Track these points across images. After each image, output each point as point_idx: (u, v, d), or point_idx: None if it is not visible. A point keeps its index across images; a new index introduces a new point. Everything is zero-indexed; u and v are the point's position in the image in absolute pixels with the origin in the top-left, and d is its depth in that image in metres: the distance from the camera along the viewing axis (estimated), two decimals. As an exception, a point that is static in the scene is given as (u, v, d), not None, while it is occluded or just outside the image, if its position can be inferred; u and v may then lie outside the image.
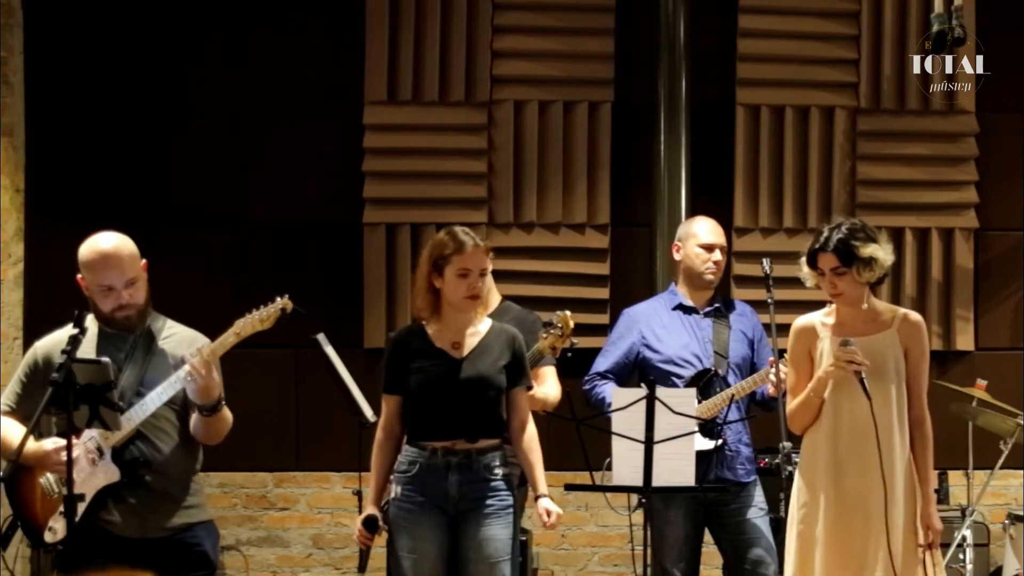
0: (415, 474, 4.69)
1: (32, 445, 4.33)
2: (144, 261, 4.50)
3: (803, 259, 4.82)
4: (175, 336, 4.54)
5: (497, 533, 4.68)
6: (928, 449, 4.75)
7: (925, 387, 4.79)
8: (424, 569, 4.68)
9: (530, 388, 4.90)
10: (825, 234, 4.73)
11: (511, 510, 4.74)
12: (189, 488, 4.54)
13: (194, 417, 4.44)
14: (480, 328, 4.77)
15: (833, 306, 4.79)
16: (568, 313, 5.15)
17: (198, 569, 4.51)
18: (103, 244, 4.44)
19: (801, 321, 4.87)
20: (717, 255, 5.54)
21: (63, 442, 4.29)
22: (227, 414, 4.48)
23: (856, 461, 4.67)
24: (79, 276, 4.47)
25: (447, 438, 4.67)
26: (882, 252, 4.69)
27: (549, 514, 4.71)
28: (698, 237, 5.56)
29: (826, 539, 4.68)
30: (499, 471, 4.72)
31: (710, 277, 5.54)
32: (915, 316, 4.80)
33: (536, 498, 4.77)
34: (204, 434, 4.48)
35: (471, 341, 4.74)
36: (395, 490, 4.72)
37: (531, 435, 4.80)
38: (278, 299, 4.50)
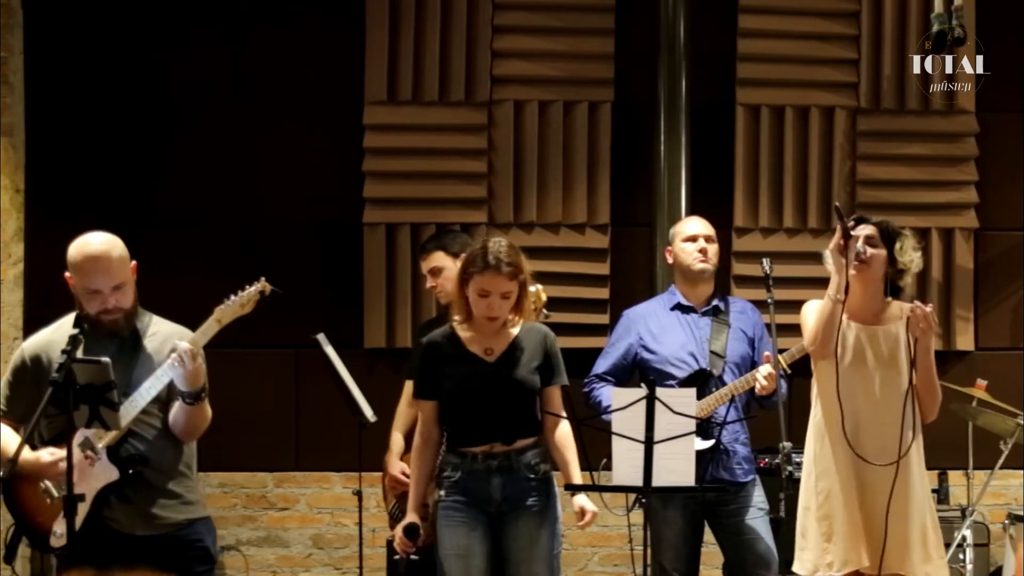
0: (458, 480, 4.72)
1: (28, 455, 4.32)
2: (134, 263, 4.48)
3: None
4: (159, 333, 4.53)
5: (541, 533, 4.72)
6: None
7: (934, 364, 4.86)
8: (473, 566, 4.70)
9: (564, 386, 4.89)
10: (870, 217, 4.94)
11: (553, 508, 4.78)
12: (184, 482, 4.54)
13: (175, 407, 4.42)
14: (512, 329, 4.78)
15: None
16: (540, 287, 5.16)
17: (200, 564, 4.52)
18: (92, 247, 4.40)
19: (816, 300, 4.94)
20: (702, 243, 5.55)
21: (59, 452, 4.30)
22: (207, 409, 4.46)
23: (873, 444, 4.73)
24: (67, 274, 4.45)
25: (484, 442, 4.70)
26: (914, 255, 4.87)
27: (584, 513, 4.76)
28: (682, 232, 5.62)
29: (845, 522, 4.75)
30: (540, 468, 4.76)
31: (700, 266, 5.54)
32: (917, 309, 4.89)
33: (572, 495, 4.80)
34: (183, 425, 4.44)
35: (503, 344, 4.75)
36: (439, 493, 4.74)
37: (564, 432, 4.81)
38: (255, 282, 4.50)
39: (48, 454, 4.36)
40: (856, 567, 4.74)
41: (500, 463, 4.70)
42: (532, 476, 4.72)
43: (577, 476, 4.80)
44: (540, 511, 4.73)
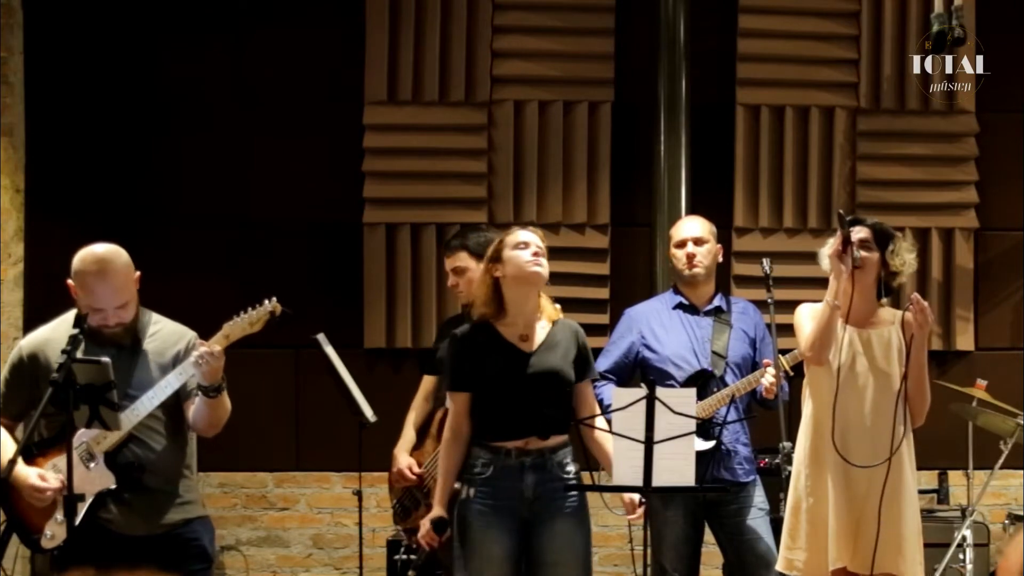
0: (490, 477, 4.60)
1: (21, 470, 4.32)
2: (138, 274, 4.46)
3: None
4: (160, 333, 4.53)
5: (574, 535, 4.64)
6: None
7: (926, 362, 4.87)
8: (491, 573, 4.60)
9: (595, 380, 4.86)
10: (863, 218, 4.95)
11: (587, 510, 4.72)
12: (184, 482, 4.55)
13: (196, 404, 4.43)
14: (544, 323, 4.72)
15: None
16: (558, 307, 5.13)
17: (198, 563, 4.52)
18: (97, 266, 4.37)
19: (809, 304, 4.95)
20: (690, 247, 5.55)
21: (50, 477, 4.30)
22: (227, 401, 4.47)
23: (865, 448, 4.75)
24: (69, 281, 4.42)
25: (520, 436, 4.60)
26: (908, 256, 4.87)
27: (634, 506, 4.71)
28: (673, 237, 5.64)
29: (834, 521, 4.75)
30: (571, 468, 4.68)
31: (687, 272, 5.55)
32: (909, 315, 4.88)
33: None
34: (206, 419, 4.45)
35: (539, 334, 4.69)
36: (467, 491, 4.60)
37: (602, 426, 4.75)
38: (266, 302, 4.47)
39: (38, 477, 4.33)
40: (843, 564, 4.75)
41: (534, 460, 4.60)
42: (564, 476, 4.64)
43: None
44: (574, 513, 4.65)
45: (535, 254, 4.65)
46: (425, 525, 4.65)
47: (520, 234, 4.70)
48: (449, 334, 4.89)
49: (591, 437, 4.75)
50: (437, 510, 4.68)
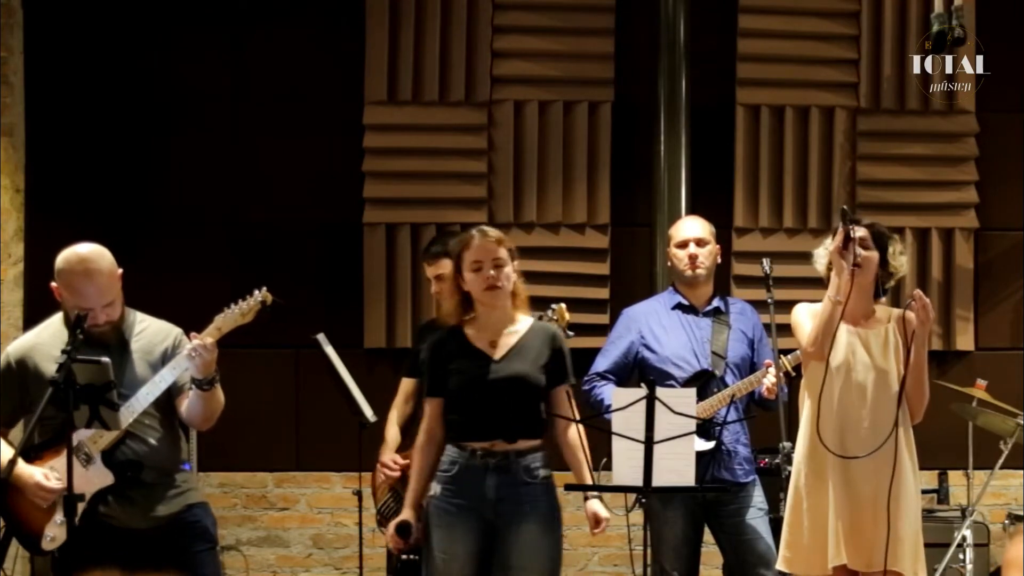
0: (454, 475, 4.64)
1: (24, 469, 4.33)
2: (120, 271, 4.46)
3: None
4: (147, 331, 4.54)
5: (540, 540, 4.61)
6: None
7: (926, 359, 4.87)
8: (453, 570, 4.62)
9: (573, 386, 4.84)
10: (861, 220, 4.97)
11: (553, 515, 4.68)
12: (181, 474, 4.58)
13: (190, 397, 4.44)
14: (519, 327, 4.72)
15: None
16: (563, 306, 5.12)
17: (202, 543, 4.55)
18: (82, 265, 4.37)
19: (806, 303, 4.96)
20: (692, 248, 5.53)
21: (53, 477, 4.31)
22: (221, 394, 4.48)
23: (862, 444, 4.74)
24: (53, 284, 4.42)
25: (486, 439, 4.62)
26: (902, 258, 4.92)
27: (598, 520, 4.72)
28: (674, 237, 5.62)
29: (834, 519, 4.75)
30: (540, 473, 4.66)
31: (689, 273, 5.53)
32: (910, 313, 4.88)
33: (585, 499, 4.76)
34: (201, 413, 4.46)
35: (509, 340, 4.68)
36: (435, 488, 4.67)
37: (574, 434, 4.73)
38: (256, 292, 4.49)
39: (40, 473, 4.35)
40: (843, 562, 4.75)
41: (498, 462, 4.61)
42: (529, 480, 4.63)
43: (588, 479, 4.73)
44: (542, 519, 4.63)
45: (490, 275, 4.62)
46: (390, 530, 4.68)
47: (474, 250, 4.65)
48: (427, 337, 4.93)
49: (565, 443, 4.74)
50: (405, 513, 4.71)
